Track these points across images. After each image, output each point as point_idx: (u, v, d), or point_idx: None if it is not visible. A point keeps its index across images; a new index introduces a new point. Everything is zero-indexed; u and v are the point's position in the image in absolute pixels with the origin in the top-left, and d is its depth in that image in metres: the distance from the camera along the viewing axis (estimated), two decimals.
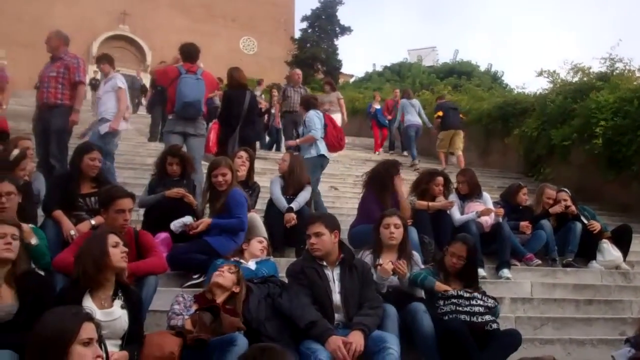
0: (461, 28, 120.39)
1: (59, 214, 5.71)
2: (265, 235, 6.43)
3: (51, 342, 2.69)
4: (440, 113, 15.17)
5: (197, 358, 4.07)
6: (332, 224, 4.88)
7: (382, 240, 5.56)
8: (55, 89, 8.51)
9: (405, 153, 17.54)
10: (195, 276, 5.82)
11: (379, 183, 7.12)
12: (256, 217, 6.74)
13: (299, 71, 15.29)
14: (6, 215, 4.51)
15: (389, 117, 18.90)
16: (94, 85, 25.53)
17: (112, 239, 4.21)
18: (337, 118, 13.07)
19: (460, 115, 15.76)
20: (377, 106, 19.52)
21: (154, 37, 47.78)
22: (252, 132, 9.26)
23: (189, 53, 8.64)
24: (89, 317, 2.84)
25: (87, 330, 2.76)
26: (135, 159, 11.86)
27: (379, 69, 42.21)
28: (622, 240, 7.93)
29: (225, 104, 9.20)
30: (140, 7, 48.44)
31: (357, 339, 4.37)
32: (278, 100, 15.83)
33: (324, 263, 4.83)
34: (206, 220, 6.13)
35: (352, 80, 45.04)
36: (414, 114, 16.07)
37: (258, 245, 5.84)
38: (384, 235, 5.55)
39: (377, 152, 18.50)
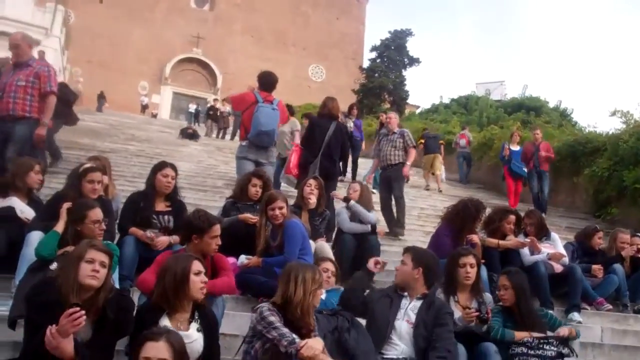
0: (531, 63, 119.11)
1: (134, 229, 5.93)
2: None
3: None
4: (422, 140, 17.38)
5: None
6: (420, 259, 4.93)
7: (456, 279, 5.53)
8: (24, 100, 7.68)
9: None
10: (264, 300, 5.87)
11: (463, 220, 6.99)
12: (325, 245, 6.80)
13: (392, 114, 11.57)
14: (98, 242, 4.41)
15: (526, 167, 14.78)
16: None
17: (196, 266, 4.20)
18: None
19: (440, 142, 18.45)
20: (515, 148, 15.19)
21: (225, 61, 48.89)
22: (333, 165, 8.95)
23: (268, 82, 8.74)
24: None
25: None
26: (206, 181, 12.09)
27: (445, 101, 42.07)
28: None
29: (309, 129, 9.24)
30: (215, 32, 49.72)
31: None
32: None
33: (405, 294, 4.89)
34: (255, 260, 6.10)
35: (418, 111, 45.01)
36: None
37: (322, 274, 5.83)
38: (460, 275, 5.48)
39: None
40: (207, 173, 13.19)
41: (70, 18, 42.49)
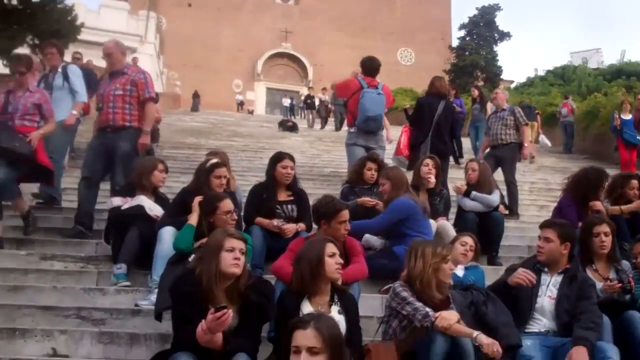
0: (627, 28, 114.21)
1: (260, 219, 6.09)
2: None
3: None
4: None
5: None
6: (566, 234, 4.82)
7: (592, 249, 5.37)
8: (123, 110, 7.34)
9: None
10: (389, 283, 5.89)
11: (585, 189, 6.78)
12: (447, 224, 6.76)
13: (499, 90, 11.27)
14: (234, 230, 4.52)
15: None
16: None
17: (330, 248, 4.25)
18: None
19: (536, 112, 19.99)
20: (627, 116, 14.61)
21: (314, 53, 49.29)
22: (443, 144, 8.86)
23: (371, 67, 8.74)
24: None
25: None
26: (312, 170, 12.27)
27: (541, 73, 40.99)
28: None
29: (417, 109, 9.19)
30: (302, 25, 50.21)
31: (581, 357, 4.11)
32: None
33: (545, 269, 4.82)
34: None
35: (512, 85, 44.07)
36: None
37: (460, 247, 5.71)
38: (595, 244, 5.32)
39: None
40: (312, 162, 13.40)
41: (163, 24, 43.76)
